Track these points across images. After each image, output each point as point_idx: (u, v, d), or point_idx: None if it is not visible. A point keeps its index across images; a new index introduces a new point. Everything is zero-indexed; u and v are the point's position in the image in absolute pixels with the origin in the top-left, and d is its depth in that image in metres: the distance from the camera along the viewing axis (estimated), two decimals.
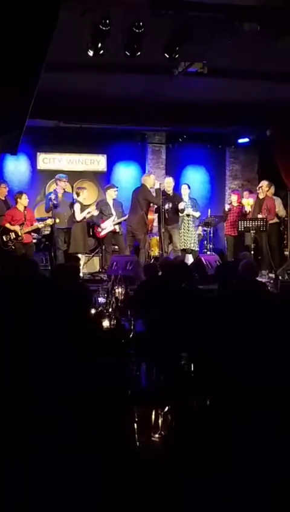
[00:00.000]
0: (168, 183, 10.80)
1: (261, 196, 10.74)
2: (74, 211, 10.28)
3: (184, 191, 11.05)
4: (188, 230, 10.90)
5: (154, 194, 10.53)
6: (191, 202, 11.00)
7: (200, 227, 11.52)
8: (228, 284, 5.31)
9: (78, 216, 10.23)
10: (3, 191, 10.53)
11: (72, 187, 11.99)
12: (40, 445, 2.10)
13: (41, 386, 2.48)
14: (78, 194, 10.53)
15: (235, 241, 11.25)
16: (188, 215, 10.86)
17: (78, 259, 9.22)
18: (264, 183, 10.84)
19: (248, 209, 10.99)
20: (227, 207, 11.36)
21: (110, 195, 10.87)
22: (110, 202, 10.81)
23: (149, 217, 10.41)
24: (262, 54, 7.92)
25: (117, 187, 11.05)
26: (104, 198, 11.16)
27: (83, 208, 10.36)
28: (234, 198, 11.41)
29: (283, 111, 10.63)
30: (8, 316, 3.29)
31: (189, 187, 11.18)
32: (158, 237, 10.92)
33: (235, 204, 11.32)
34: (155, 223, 11.17)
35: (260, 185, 10.89)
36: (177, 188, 11.27)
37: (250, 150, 13.34)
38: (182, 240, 10.83)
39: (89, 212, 10.33)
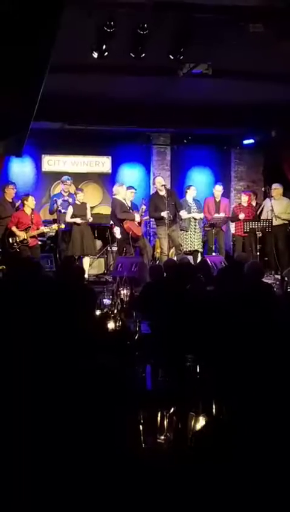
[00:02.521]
0: (159, 183, 10.67)
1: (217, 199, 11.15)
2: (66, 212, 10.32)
3: (192, 192, 11.03)
4: (195, 232, 10.89)
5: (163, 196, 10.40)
6: (196, 204, 10.99)
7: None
8: (230, 285, 5.29)
9: (68, 218, 10.27)
10: (11, 192, 10.52)
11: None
12: (43, 448, 2.10)
13: (46, 387, 2.48)
14: (76, 195, 10.53)
15: (244, 241, 11.18)
16: (195, 218, 10.86)
17: (72, 260, 9.26)
18: (216, 186, 11.39)
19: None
20: (242, 216, 11.22)
21: (128, 196, 10.77)
22: (129, 203, 10.73)
23: (125, 225, 10.27)
24: (267, 55, 7.90)
25: (135, 189, 10.99)
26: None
27: (78, 208, 10.34)
28: (244, 198, 11.32)
29: (287, 112, 10.61)
30: (13, 318, 3.29)
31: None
32: (159, 239, 10.90)
33: (245, 205, 11.23)
34: (153, 225, 11.24)
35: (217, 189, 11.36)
36: (180, 189, 11.26)
37: (255, 151, 13.32)
38: (189, 241, 10.81)
39: (76, 218, 10.32)
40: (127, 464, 2.05)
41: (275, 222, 10.66)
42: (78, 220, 10.27)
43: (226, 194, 13.19)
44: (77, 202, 10.42)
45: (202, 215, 11.01)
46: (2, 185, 10.74)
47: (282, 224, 10.81)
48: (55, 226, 10.26)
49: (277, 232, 10.69)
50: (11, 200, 10.51)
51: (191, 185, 11.39)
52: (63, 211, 10.41)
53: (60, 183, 11.25)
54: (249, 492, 1.91)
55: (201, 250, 11.02)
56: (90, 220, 10.50)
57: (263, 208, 11.15)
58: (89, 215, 10.48)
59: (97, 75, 8.88)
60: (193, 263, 10.18)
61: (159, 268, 7.13)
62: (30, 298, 3.93)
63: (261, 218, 10.81)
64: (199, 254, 10.95)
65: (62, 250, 10.44)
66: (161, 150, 13.13)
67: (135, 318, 4.31)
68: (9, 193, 10.49)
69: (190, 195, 10.98)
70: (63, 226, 10.23)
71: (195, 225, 10.89)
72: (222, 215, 11.07)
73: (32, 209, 10.11)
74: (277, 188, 10.89)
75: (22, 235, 9.83)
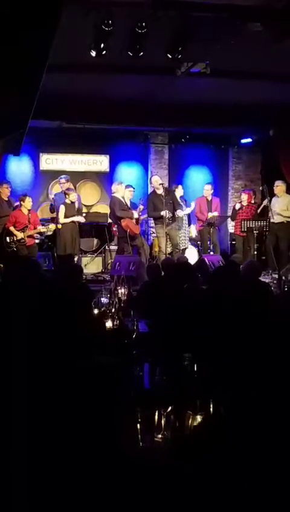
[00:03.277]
0: (156, 182, 10.65)
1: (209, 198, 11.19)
2: (58, 213, 10.27)
3: (180, 191, 11.01)
4: (185, 230, 10.90)
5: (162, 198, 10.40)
6: (182, 202, 10.97)
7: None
8: (223, 285, 5.28)
9: (62, 220, 10.19)
10: (6, 191, 10.54)
11: (75, 187, 12.01)
12: (41, 447, 2.10)
13: (43, 386, 2.48)
14: (66, 195, 10.42)
15: (243, 240, 11.13)
16: (186, 215, 10.89)
17: (72, 257, 9.25)
18: (206, 186, 11.36)
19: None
20: (238, 206, 11.21)
21: (127, 195, 10.75)
22: (128, 202, 10.71)
23: (123, 223, 10.29)
24: (265, 54, 7.91)
25: (134, 188, 10.98)
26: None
27: (69, 208, 10.30)
28: (244, 197, 11.24)
29: (285, 111, 10.63)
30: (11, 317, 3.29)
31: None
32: (157, 238, 10.91)
33: (245, 203, 11.17)
34: (151, 224, 11.23)
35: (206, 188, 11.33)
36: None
37: (253, 150, 13.34)
38: (182, 239, 10.81)
39: (75, 220, 10.28)
40: (124, 462, 2.05)
41: (277, 220, 10.58)
42: (75, 218, 10.25)
43: (224, 193, 13.22)
44: (67, 202, 10.35)
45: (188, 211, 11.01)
46: None
47: (285, 222, 10.64)
48: (52, 226, 10.27)
49: (279, 230, 10.58)
50: (6, 199, 10.53)
51: (178, 184, 11.37)
52: (61, 215, 10.36)
53: (58, 182, 11.28)
54: (247, 491, 1.92)
55: (188, 247, 11.03)
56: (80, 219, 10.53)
57: (267, 207, 11.05)
58: (79, 218, 10.50)
59: (95, 73, 8.89)
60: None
61: (157, 267, 7.13)
62: (28, 297, 3.93)
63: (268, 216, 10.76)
64: (191, 252, 11.00)
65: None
66: (158, 149, 13.14)
67: (132, 317, 4.30)
68: (4, 192, 10.50)
69: (178, 194, 10.95)
70: (60, 225, 10.23)
71: (185, 223, 10.90)
72: (215, 213, 11.08)
73: (29, 210, 10.11)
74: (279, 185, 10.74)
75: (19, 234, 9.85)
